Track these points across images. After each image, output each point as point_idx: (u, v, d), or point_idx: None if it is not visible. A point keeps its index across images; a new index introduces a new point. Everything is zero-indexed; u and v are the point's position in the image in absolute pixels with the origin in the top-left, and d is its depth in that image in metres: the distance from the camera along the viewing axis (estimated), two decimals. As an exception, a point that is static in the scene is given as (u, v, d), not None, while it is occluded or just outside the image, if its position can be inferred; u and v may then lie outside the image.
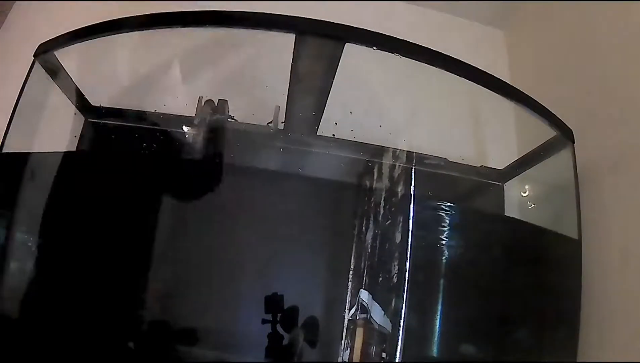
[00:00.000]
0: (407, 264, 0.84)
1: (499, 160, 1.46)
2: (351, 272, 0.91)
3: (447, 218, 0.91)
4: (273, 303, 0.85)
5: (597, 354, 1.08)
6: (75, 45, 1.07)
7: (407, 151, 0.95)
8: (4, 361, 0.89)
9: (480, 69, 1.03)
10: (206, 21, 0.94)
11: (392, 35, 0.95)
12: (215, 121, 1.24)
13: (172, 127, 1.29)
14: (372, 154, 1.01)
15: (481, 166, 1.46)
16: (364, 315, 0.87)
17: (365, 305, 0.88)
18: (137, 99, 1.35)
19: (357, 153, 1.24)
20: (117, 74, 1.37)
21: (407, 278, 0.84)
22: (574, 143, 1.19)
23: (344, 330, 0.88)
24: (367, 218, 0.94)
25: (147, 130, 1.31)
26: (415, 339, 0.84)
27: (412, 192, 0.89)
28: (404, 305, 0.82)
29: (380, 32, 0.94)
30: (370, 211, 0.95)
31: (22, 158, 1.02)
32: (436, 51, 0.98)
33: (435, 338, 0.86)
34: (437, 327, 0.86)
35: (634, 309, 1.06)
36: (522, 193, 1.41)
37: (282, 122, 1.25)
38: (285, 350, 0.86)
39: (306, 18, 0.91)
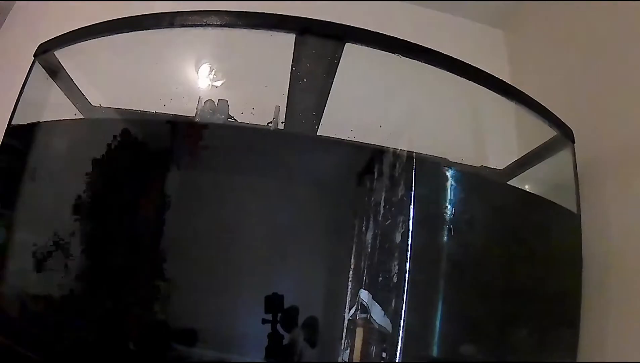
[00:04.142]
0: (407, 264, 0.84)
1: (499, 160, 1.46)
2: (351, 272, 0.91)
3: (449, 187, 0.92)
4: (273, 303, 0.85)
5: (597, 354, 1.08)
6: (75, 45, 1.07)
7: (407, 151, 0.95)
8: (3, 361, 0.89)
9: (480, 69, 1.03)
10: (206, 22, 0.94)
11: (392, 35, 0.95)
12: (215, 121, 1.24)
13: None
14: (372, 154, 1.01)
15: (481, 166, 1.45)
16: (364, 315, 0.87)
17: (365, 305, 0.88)
18: (137, 99, 1.34)
19: (357, 153, 1.24)
20: (117, 74, 1.37)
21: (407, 278, 0.84)
22: (574, 142, 1.19)
23: (344, 330, 0.88)
24: (367, 218, 0.94)
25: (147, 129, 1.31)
26: (415, 338, 0.83)
27: (412, 192, 0.89)
28: (404, 305, 0.82)
29: (380, 32, 0.94)
30: (370, 211, 0.95)
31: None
32: (436, 51, 0.98)
33: (436, 336, 0.86)
34: (438, 323, 0.86)
35: (634, 311, 1.06)
36: (522, 193, 1.40)
37: (282, 123, 1.25)
38: (285, 350, 0.86)
39: (306, 18, 0.91)
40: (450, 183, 0.95)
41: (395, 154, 0.96)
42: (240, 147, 1.01)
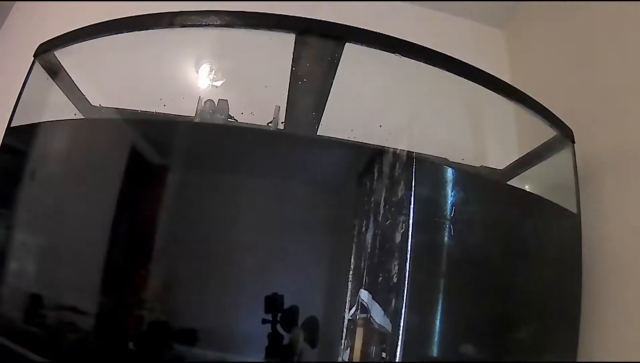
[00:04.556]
0: (407, 264, 0.84)
1: (499, 160, 1.46)
2: (351, 272, 0.91)
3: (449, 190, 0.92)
4: (273, 303, 0.85)
5: (597, 354, 1.08)
6: (75, 45, 1.07)
7: (407, 151, 0.95)
8: (4, 361, 0.89)
9: (480, 69, 1.03)
10: (207, 21, 0.94)
11: (392, 35, 0.95)
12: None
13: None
14: (372, 154, 1.01)
15: (481, 166, 1.45)
16: (364, 315, 0.87)
17: (365, 305, 0.88)
18: (137, 99, 1.34)
19: (357, 153, 1.24)
20: (117, 74, 1.37)
21: (407, 278, 0.84)
22: (574, 142, 1.19)
23: (344, 330, 0.88)
24: (367, 218, 0.94)
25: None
26: (415, 338, 0.83)
27: (412, 192, 0.89)
28: (404, 305, 0.82)
29: (380, 32, 0.94)
30: (371, 211, 0.95)
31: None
32: (436, 51, 0.98)
33: (436, 336, 0.86)
34: (438, 323, 0.86)
35: (635, 313, 1.06)
36: (522, 193, 1.40)
37: (282, 123, 1.25)
38: (285, 350, 0.86)
39: (306, 18, 0.91)
40: (450, 183, 0.95)
41: (395, 154, 0.96)
42: (240, 147, 1.01)
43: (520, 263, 1.00)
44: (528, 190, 1.29)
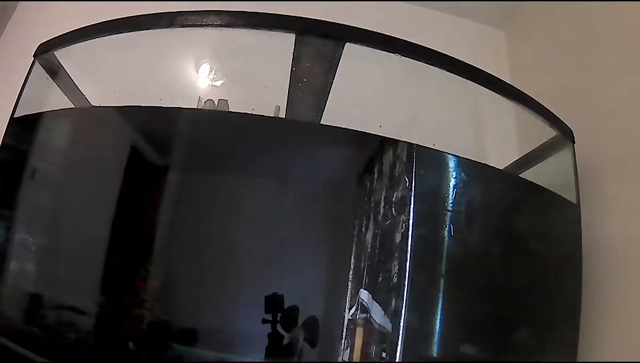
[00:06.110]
0: (407, 264, 0.84)
1: (499, 160, 1.46)
2: (351, 272, 0.91)
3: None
4: (273, 303, 0.85)
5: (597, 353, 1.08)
6: (75, 45, 1.07)
7: (408, 143, 0.95)
8: (4, 361, 0.89)
9: (480, 69, 1.03)
10: (207, 21, 0.94)
11: (392, 35, 0.95)
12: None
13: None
14: (373, 152, 1.01)
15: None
16: (364, 315, 0.87)
17: (365, 305, 0.88)
18: (137, 99, 1.34)
19: (357, 152, 1.24)
20: (117, 74, 1.37)
21: (407, 278, 0.84)
22: (574, 142, 1.19)
23: (344, 330, 0.88)
24: (367, 218, 0.94)
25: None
26: (415, 338, 0.83)
27: (412, 192, 0.89)
28: (404, 305, 0.82)
29: (380, 32, 0.94)
30: (370, 211, 0.95)
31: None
32: (436, 51, 0.98)
33: (436, 336, 0.86)
34: (438, 323, 0.86)
35: (634, 313, 1.06)
36: (522, 193, 1.40)
37: (282, 123, 1.25)
38: (285, 350, 0.86)
39: (306, 18, 0.91)
40: (452, 173, 0.95)
41: (396, 153, 0.96)
42: (239, 142, 1.01)
43: (522, 263, 1.00)
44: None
